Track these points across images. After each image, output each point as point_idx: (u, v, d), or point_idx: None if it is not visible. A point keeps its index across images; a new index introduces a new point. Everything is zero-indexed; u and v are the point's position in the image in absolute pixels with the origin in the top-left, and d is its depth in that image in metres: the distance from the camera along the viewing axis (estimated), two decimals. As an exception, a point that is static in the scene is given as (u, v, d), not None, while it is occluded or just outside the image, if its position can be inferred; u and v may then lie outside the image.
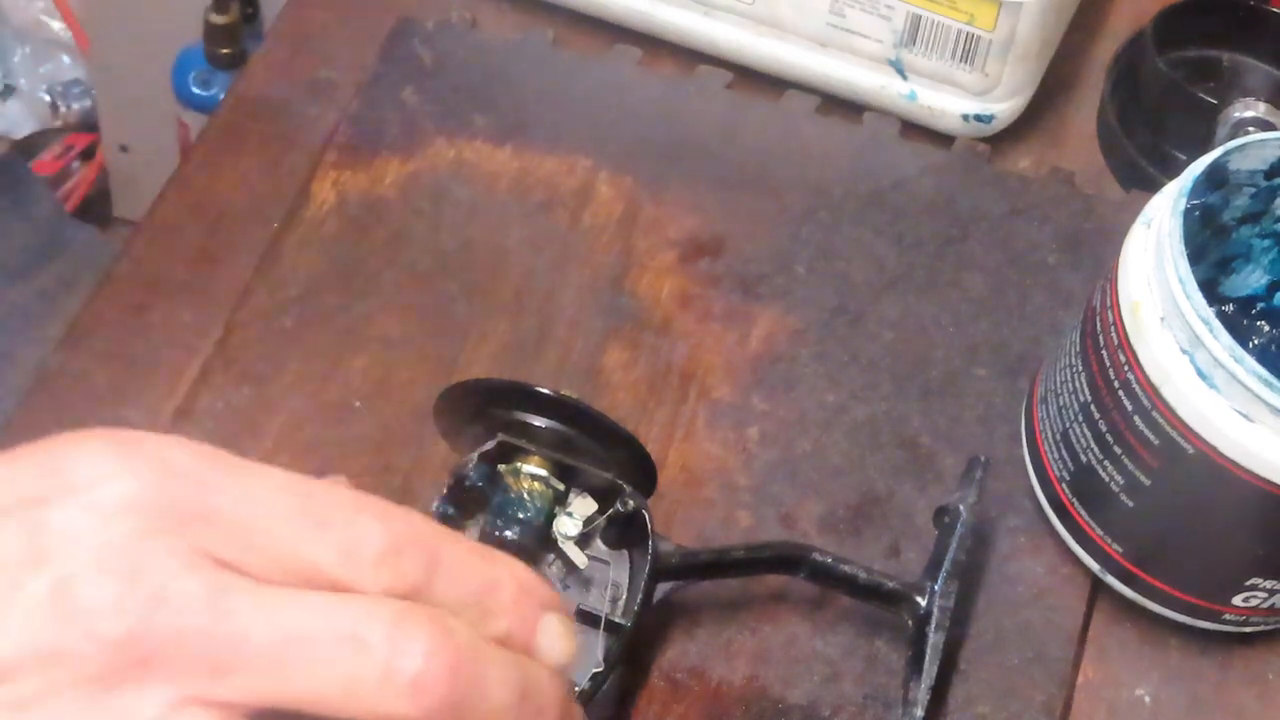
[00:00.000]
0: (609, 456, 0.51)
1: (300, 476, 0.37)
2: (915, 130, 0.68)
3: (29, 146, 1.56)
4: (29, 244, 0.79)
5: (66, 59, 1.60)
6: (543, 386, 0.50)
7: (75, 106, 1.61)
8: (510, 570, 0.39)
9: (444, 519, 0.50)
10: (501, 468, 0.50)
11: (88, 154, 1.56)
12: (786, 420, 0.59)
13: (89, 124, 1.57)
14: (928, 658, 0.50)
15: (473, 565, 0.38)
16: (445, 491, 0.50)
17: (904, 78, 0.67)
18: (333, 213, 0.63)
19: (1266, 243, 0.54)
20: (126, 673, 0.35)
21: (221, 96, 0.68)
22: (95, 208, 1.52)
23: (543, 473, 0.50)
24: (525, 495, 0.50)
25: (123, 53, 1.36)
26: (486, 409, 0.51)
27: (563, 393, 0.50)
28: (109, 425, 0.57)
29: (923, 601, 0.51)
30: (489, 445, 0.50)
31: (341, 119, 0.66)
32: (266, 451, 0.56)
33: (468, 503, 0.51)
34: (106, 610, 0.34)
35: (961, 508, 0.52)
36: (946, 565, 0.51)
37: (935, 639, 0.50)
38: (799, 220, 0.64)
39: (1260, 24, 0.69)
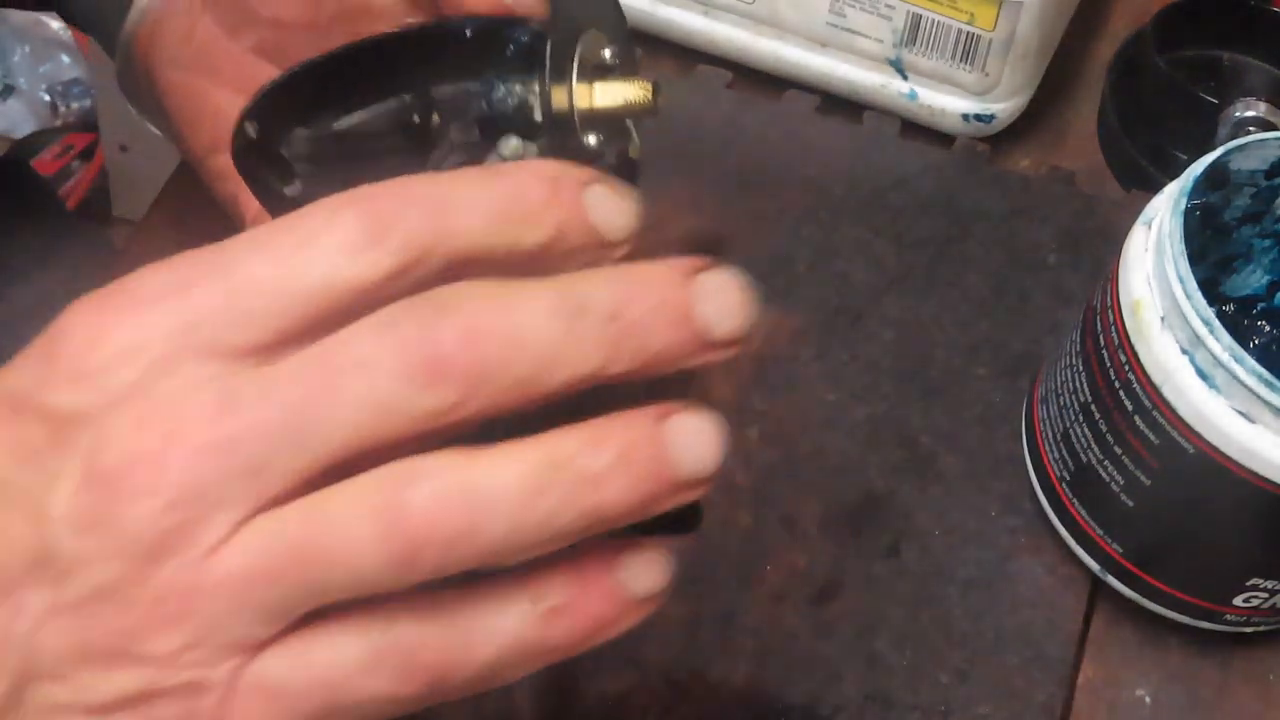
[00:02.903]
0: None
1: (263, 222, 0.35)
2: (915, 130, 0.68)
3: (29, 146, 1.56)
4: (30, 244, 0.78)
5: (66, 59, 1.60)
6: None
7: (75, 106, 1.61)
8: (529, 170, 0.35)
9: None
10: None
11: (87, 154, 1.56)
12: (786, 420, 0.59)
13: (89, 124, 1.57)
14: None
15: (483, 189, 0.34)
16: None
17: (904, 77, 0.67)
18: (333, 213, 0.63)
19: (1267, 243, 0.54)
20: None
21: (221, 96, 0.68)
22: (95, 208, 1.52)
23: None
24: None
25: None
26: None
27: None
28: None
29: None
30: None
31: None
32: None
33: None
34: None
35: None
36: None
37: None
38: (799, 220, 0.64)
39: (1260, 24, 0.69)
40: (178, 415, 0.33)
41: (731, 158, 0.66)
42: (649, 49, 0.70)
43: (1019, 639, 0.54)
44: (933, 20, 0.65)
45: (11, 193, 0.82)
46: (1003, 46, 0.64)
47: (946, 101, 0.67)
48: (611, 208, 0.35)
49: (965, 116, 0.67)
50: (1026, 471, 0.56)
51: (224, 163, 0.51)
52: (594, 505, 0.32)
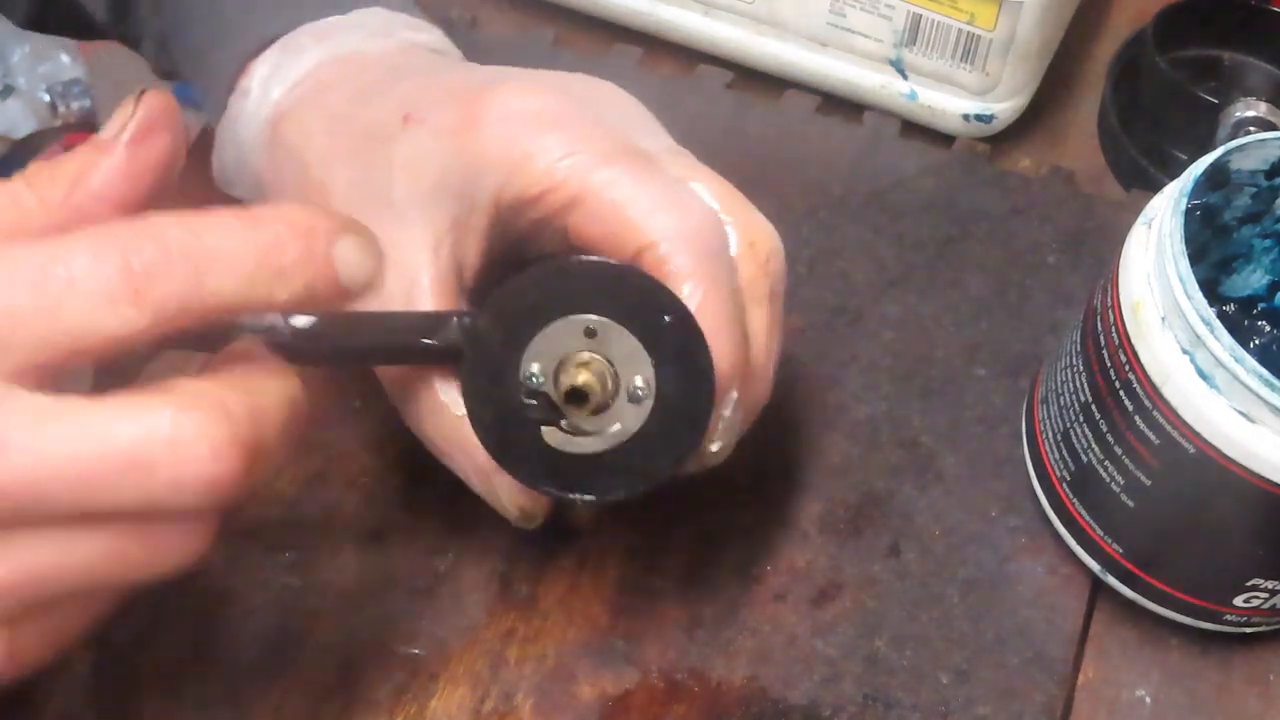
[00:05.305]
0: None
1: (39, 250, 0.36)
2: (915, 130, 0.68)
3: (29, 146, 1.56)
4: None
5: (66, 59, 1.60)
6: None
7: (75, 106, 1.61)
8: (286, 221, 0.37)
9: None
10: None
11: (87, 154, 1.55)
12: (786, 420, 0.59)
13: (89, 124, 1.57)
14: None
15: (240, 241, 0.36)
16: None
17: (904, 77, 0.67)
18: (332, 212, 0.63)
19: (1267, 243, 0.54)
20: None
21: (221, 96, 0.68)
22: (95, 208, 1.52)
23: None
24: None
25: (122, 52, 1.36)
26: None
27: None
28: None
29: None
30: None
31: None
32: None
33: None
34: None
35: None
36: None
37: None
38: (799, 220, 0.64)
39: (1261, 24, 0.69)
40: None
41: (731, 158, 0.66)
42: (649, 49, 0.70)
43: (1019, 639, 0.54)
44: (933, 20, 0.65)
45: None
46: (1003, 46, 0.64)
47: (947, 101, 0.67)
48: (356, 261, 0.37)
49: (965, 116, 0.67)
50: (1026, 471, 0.56)
51: None
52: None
